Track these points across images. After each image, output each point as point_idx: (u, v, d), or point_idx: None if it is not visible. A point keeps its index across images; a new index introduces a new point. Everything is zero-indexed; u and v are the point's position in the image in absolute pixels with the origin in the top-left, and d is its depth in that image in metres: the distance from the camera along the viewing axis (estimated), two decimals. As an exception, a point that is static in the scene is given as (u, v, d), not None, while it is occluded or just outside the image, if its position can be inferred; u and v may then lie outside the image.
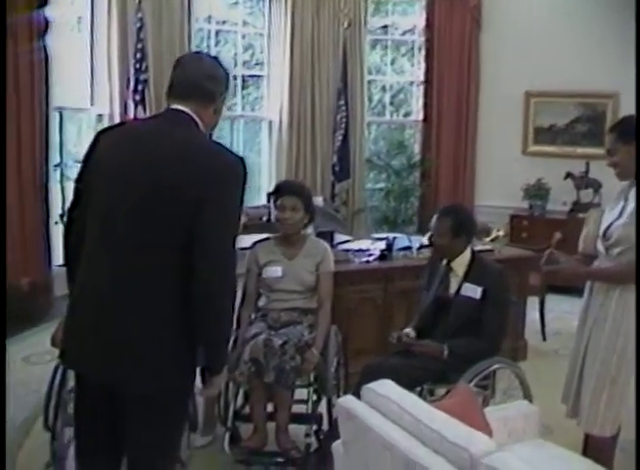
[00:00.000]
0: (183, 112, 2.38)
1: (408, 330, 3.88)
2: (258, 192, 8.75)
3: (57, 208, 6.74)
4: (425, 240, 5.26)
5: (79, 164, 2.54)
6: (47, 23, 6.70)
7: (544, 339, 6.08)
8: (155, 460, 2.43)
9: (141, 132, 2.43)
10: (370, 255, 5.16)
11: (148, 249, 2.26)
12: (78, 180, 2.49)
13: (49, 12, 6.69)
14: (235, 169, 2.32)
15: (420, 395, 3.48)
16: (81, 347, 2.35)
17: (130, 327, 2.26)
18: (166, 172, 2.25)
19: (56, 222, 6.58)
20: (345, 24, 8.48)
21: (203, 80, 2.41)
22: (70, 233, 2.50)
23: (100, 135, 2.46)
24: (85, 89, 7.40)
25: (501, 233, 5.68)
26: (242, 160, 2.34)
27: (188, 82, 2.41)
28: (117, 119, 7.43)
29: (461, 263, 3.87)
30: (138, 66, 7.23)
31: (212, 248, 2.21)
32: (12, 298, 6.12)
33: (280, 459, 3.69)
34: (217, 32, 8.70)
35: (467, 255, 3.89)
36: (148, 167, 2.27)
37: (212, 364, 2.39)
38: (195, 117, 2.39)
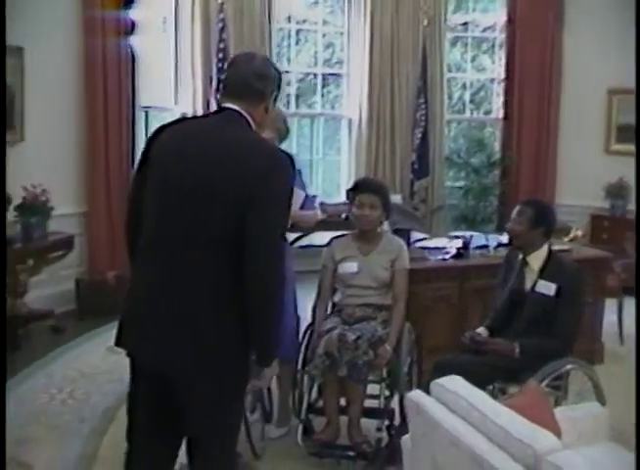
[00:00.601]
0: (235, 110, 2.46)
1: (480, 329, 3.88)
2: (337, 189, 8.83)
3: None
4: (502, 239, 5.24)
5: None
6: (133, 25, 6.94)
7: (622, 343, 5.92)
8: (213, 446, 2.52)
9: (195, 130, 2.50)
10: (446, 253, 5.16)
11: (199, 245, 2.34)
12: (137, 176, 2.59)
13: (135, 13, 6.93)
14: (284, 168, 2.39)
15: (491, 393, 3.49)
16: (135, 332, 2.45)
17: (183, 319, 2.34)
18: (218, 170, 2.33)
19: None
20: (425, 22, 8.45)
21: (253, 79, 2.48)
22: (130, 227, 2.61)
23: (158, 132, 2.54)
24: (169, 89, 7.61)
25: (579, 233, 5.61)
26: (291, 158, 2.42)
27: (239, 82, 2.48)
28: (200, 119, 7.62)
29: (537, 259, 3.84)
30: (220, 65, 7.39)
31: (263, 246, 2.28)
32: (99, 291, 6.39)
33: (351, 453, 3.75)
34: (297, 32, 8.82)
35: (544, 250, 3.86)
36: (200, 165, 2.35)
37: (263, 357, 2.45)
38: (246, 115, 2.46)
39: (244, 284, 2.29)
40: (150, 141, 2.54)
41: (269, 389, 4.02)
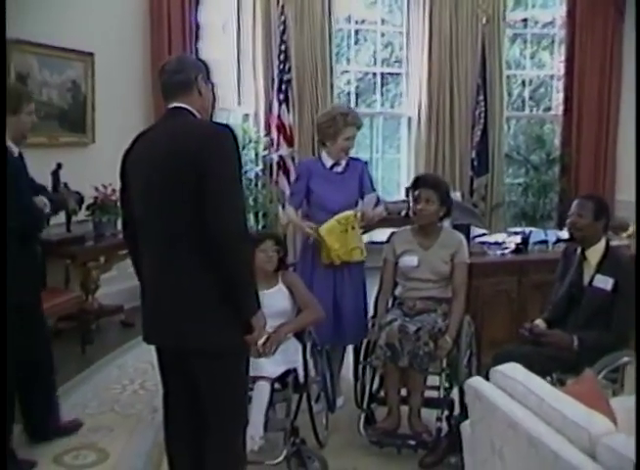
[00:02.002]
0: (177, 107, 2.76)
1: (538, 321, 3.92)
2: (397, 187, 8.91)
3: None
4: (561, 234, 5.26)
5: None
6: (198, 27, 7.14)
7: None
8: (221, 413, 2.78)
9: (148, 137, 2.80)
10: (505, 248, 5.20)
11: (176, 235, 2.63)
12: (122, 194, 2.93)
13: (199, 16, 7.14)
14: (222, 133, 2.64)
15: (550, 384, 3.52)
16: (151, 324, 2.79)
17: (178, 301, 2.66)
18: (170, 159, 2.60)
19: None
20: (484, 20, 8.48)
21: (174, 75, 2.77)
22: (127, 237, 2.97)
23: (126, 154, 2.87)
24: (232, 90, 7.78)
25: (637, 229, 5.57)
26: (228, 127, 2.69)
27: (167, 82, 2.79)
28: (262, 119, 7.82)
29: (595, 253, 3.85)
30: (282, 66, 7.55)
31: (218, 199, 2.53)
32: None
33: (411, 442, 3.82)
34: (357, 31, 8.92)
35: (602, 245, 3.87)
36: (156, 162, 2.64)
37: (244, 307, 2.67)
38: (186, 106, 2.75)
39: (207, 240, 2.54)
40: (122, 162, 2.87)
41: (332, 378, 4.13)
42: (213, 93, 2.90)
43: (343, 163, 4.34)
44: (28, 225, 3.71)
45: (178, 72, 2.77)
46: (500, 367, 2.71)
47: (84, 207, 5.93)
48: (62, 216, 5.76)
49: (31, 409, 3.96)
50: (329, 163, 4.33)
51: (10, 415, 3.67)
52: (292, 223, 4.60)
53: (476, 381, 2.77)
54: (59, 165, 5.64)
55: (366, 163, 4.56)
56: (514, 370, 2.66)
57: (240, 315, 2.67)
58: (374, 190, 4.40)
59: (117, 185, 2.97)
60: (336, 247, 4.13)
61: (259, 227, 7.52)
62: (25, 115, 3.72)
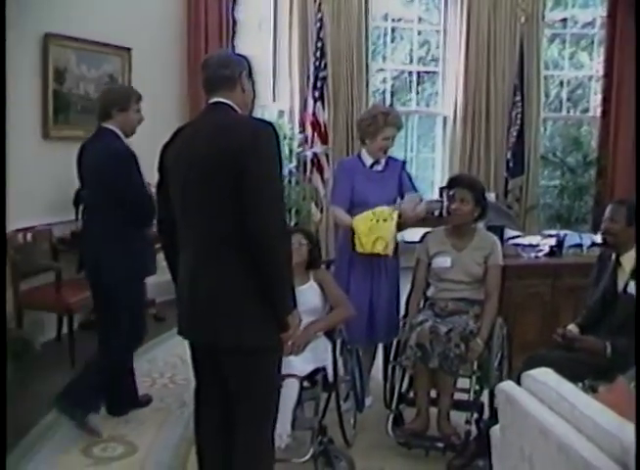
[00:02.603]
0: (218, 102, 2.76)
1: (571, 326, 3.87)
2: (431, 187, 8.86)
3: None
4: (596, 238, 5.19)
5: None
6: (235, 24, 7.17)
7: None
8: (251, 410, 2.79)
9: (189, 132, 2.81)
10: (539, 250, 5.16)
11: (213, 223, 2.63)
12: (159, 189, 2.93)
13: (236, 13, 7.16)
14: (265, 130, 2.63)
15: (582, 390, 3.47)
16: (187, 319, 2.80)
17: (215, 298, 2.66)
18: (210, 157, 2.60)
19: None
20: (522, 19, 8.40)
21: (220, 70, 2.77)
22: (162, 232, 3.00)
23: (165, 147, 2.89)
24: (268, 86, 7.80)
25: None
26: (270, 124, 2.69)
27: (211, 76, 2.78)
28: (297, 116, 7.82)
29: (630, 260, 3.79)
30: (317, 63, 7.56)
31: (259, 197, 2.53)
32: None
33: (440, 444, 3.80)
34: (393, 29, 8.89)
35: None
36: (196, 159, 2.64)
37: (280, 305, 2.67)
38: (227, 101, 2.75)
39: (245, 238, 2.54)
40: (160, 157, 2.89)
41: (362, 377, 4.11)
42: (254, 90, 2.91)
43: (383, 161, 4.33)
44: (143, 213, 3.96)
45: (223, 67, 2.78)
46: (532, 372, 2.68)
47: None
48: (96, 210, 5.81)
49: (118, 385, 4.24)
50: (369, 161, 4.33)
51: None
52: (339, 221, 4.50)
53: (507, 385, 2.74)
54: (93, 159, 5.69)
55: (404, 162, 4.53)
56: (546, 375, 2.63)
57: (276, 313, 2.67)
58: (416, 190, 4.38)
59: (153, 179, 2.98)
60: (359, 230, 4.10)
61: (292, 224, 7.52)
62: (133, 112, 4.11)
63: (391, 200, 4.26)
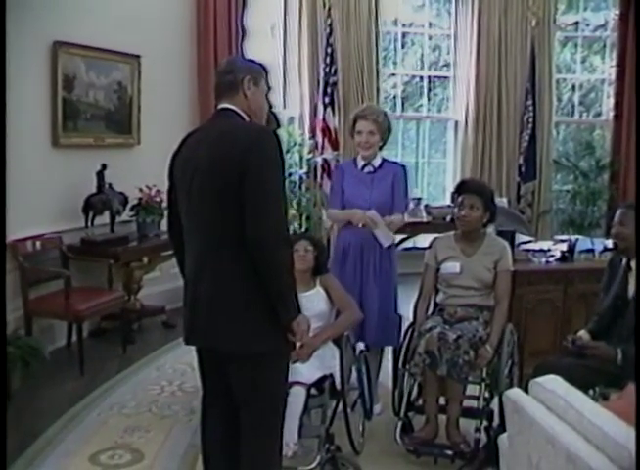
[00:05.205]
0: (224, 107, 2.79)
1: (582, 333, 3.82)
2: (443, 192, 8.83)
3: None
4: (609, 243, 5.14)
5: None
6: (244, 31, 7.17)
7: None
8: (258, 417, 2.77)
9: (195, 139, 2.83)
10: (551, 256, 5.10)
11: (219, 237, 2.64)
12: (170, 193, 2.94)
13: (245, 20, 7.17)
14: (267, 136, 2.65)
15: (592, 397, 3.43)
16: (191, 325, 2.78)
17: (219, 303, 2.65)
18: (214, 161, 2.62)
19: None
20: (534, 23, 8.36)
21: (223, 76, 2.82)
22: (172, 236, 2.98)
23: (175, 154, 2.91)
24: (278, 92, 7.79)
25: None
26: (273, 131, 2.71)
27: (218, 83, 2.84)
28: (307, 122, 7.81)
29: (640, 264, 3.77)
30: (327, 69, 7.55)
31: (259, 204, 2.54)
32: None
33: (449, 452, 3.75)
34: (404, 35, 8.86)
35: None
36: (202, 164, 2.66)
37: (283, 311, 2.65)
38: (233, 107, 2.77)
39: (247, 243, 2.54)
40: (171, 163, 2.92)
41: (370, 385, 4.08)
42: (267, 97, 2.91)
43: (376, 163, 4.31)
44: None
45: (227, 73, 2.81)
46: (540, 379, 2.65)
47: (128, 207, 5.99)
48: (106, 217, 5.82)
49: None
50: (361, 163, 4.34)
51: None
52: (334, 218, 4.52)
53: (514, 393, 2.71)
54: (103, 166, 5.72)
55: (404, 166, 4.48)
56: (554, 383, 2.59)
57: (279, 320, 2.66)
58: (407, 195, 4.37)
59: (162, 186, 3.00)
60: None
61: (302, 230, 7.51)
62: None
63: (383, 201, 4.23)
